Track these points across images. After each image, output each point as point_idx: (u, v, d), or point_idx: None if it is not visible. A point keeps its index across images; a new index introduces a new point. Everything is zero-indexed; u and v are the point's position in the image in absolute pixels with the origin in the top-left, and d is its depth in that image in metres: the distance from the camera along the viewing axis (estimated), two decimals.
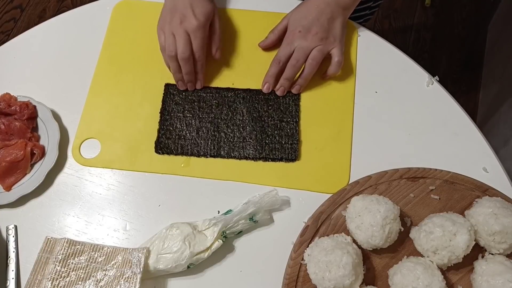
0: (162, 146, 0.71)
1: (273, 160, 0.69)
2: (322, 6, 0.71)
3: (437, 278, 0.54)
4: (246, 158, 0.69)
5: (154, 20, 0.75)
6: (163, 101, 0.74)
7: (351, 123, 0.71)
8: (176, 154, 0.70)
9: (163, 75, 0.76)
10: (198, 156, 0.70)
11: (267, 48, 0.77)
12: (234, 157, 0.69)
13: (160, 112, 0.73)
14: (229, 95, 0.74)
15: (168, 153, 0.70)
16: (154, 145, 0.71)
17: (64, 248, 0.62)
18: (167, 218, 0.65)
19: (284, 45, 0.72)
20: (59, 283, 0.60)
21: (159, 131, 0.72)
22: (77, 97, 0.76)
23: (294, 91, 0.73)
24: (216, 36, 0.74)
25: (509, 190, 0.63)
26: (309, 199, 0.66)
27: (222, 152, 0.70)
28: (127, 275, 0.59)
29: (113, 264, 0.61)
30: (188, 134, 0.71)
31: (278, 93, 0.73)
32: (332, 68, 0.72)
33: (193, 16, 0.70)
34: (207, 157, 0.70)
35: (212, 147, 0.70)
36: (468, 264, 0.58)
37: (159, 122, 0.73)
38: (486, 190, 0.62)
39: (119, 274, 0.60)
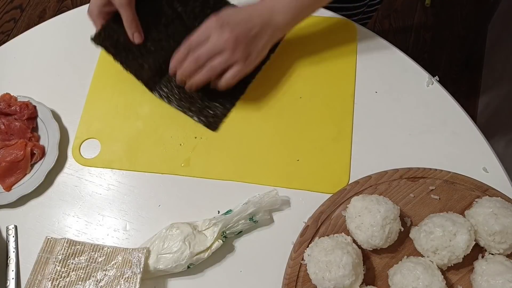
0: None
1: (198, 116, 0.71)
2: (255, 15, 0.66)
3: (437, 278, 0.54)
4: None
5: None
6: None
7: (351, 123, 0.71)
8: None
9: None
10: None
11: None
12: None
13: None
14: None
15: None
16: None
17: (64, 248, 0.62)
18: (167, 218, 0.65)
19: (201, 31, 0.66)
20: (59, 283, 0.60)
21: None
22: (77, 97, 0.76)
23: (186, 88, 0.70)
24: (123, 20, 0.68)
25: (509, 190, 0.63)
26: (309, 199, 0.66)
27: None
28: (127, 275, 0.59)
29: (113, 264, 0.61)
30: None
31: (177, 80, 0.70)
32: (219, 81, 0.68)
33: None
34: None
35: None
36: (468, 264, 0.58)
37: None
38: (486, 190, 0.62)
39: (119, 274, 0.60)
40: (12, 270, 0.64)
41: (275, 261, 0.62)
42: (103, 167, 0.70)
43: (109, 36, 0.71)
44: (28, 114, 0.71)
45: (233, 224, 0.62)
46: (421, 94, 0.72)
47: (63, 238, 0.63)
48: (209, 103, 0.73)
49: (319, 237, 0.60)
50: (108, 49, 0.72)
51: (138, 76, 0.73)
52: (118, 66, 0.78)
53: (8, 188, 0.68)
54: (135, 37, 0.70)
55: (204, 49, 0.66)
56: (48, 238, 0.63)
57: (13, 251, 0.65)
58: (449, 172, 0.64)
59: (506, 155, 1.25)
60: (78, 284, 0.59)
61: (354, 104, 0.72)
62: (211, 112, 0.72)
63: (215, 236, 0.60)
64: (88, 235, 0.66)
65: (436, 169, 0.64)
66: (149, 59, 0.73)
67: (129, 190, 0.69)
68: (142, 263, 0.59)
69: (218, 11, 0.74)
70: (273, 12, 0.67)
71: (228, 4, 0.77)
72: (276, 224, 0.65)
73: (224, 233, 0.62)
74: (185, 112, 0.72)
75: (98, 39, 0.71)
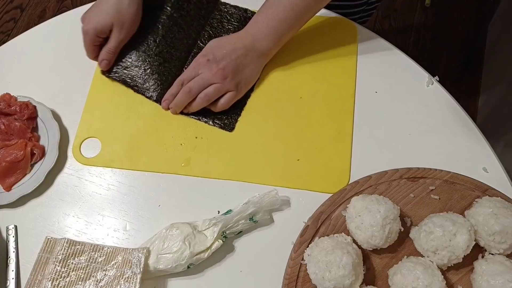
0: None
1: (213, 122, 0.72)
2: (239, 45, 0.70)
3: (437, 278, 0.54)
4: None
5: None
6: None
7: (351, 123, 0.71)
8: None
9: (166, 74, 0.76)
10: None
11: None
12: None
13: None
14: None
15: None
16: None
17: (64, 248, 0.62)
18: (167, 218, 0.65)
19: (191, 67, 0.71)
20: (59, 283, 0.60)
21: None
22: (77, 97, 0.76)
23: (184, 111, 0.73)
24: (105, 46, 0.73)
25: (509, 190, 0.63)
26: (309, 199, 0.66)
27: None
28: (127, 275, 0.59)
29: (113, 264, 0.61)
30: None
31: (171, 112, 0.73)
32: (215, 105, 0.71)
33: (84, 19, 0.72)
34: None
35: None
36: (468, 264, 0.58)
37: None
38: (486, 190, 0.62)
39: (119, 274, 0.60)
40: (12, 270, 0.64)
41: (275, 261, 0.62)
42: (103, 166, 0.70)
43: (114, 63, 0.75)
44: (28, 114, 0.71)
45: (233, 224, 0.62)
46: (421, 94, 0.72)
47: (63, 238, 0.63)
48: None
49: (319, 237, 0.60)
50: (117, 78, 0.75)
51: (149, 96, 0.74)
52: None
53: (8, 188, 0.68)
54: (103, 64, 0.74)
55: (196, 82, 0.70)
56: (48, 238, 0.63)
57: (13, 251, 0.65)
58: (449, 172, 0.64)
59: (506, 155, 1.25)
60: (78, 284, 0.59)
61: (354, 104, 0.72)
62: (225, 115, 0.72)
63: (215, 236, 0.60)
64: (88, 235, 0.66)
65: (436, 169, 0.64)
66: (154, 75, 0.74)
67: (129, 190, 0.69)
68: (142, 263, 0.59)
69: (211, 10, 0.77)
70: (254, 40, 0.70)
71: (218, 1, 0.79)
72: (276, 224, 0.65)
73: (224, 233, 0.62)
74: (199, 119, 0.72)
75: (106, 71, 0.74)
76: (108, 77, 0.75)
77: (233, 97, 0.71)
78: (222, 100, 0.71)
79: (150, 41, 0.75)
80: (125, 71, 0.74)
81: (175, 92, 0.71)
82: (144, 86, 0.74)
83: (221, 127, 0.72)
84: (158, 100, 0.74)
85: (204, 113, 0.73)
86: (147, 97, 0.74)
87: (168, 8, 0.76)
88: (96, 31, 0.71)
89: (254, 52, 0.71)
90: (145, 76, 0.74)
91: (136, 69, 0.74)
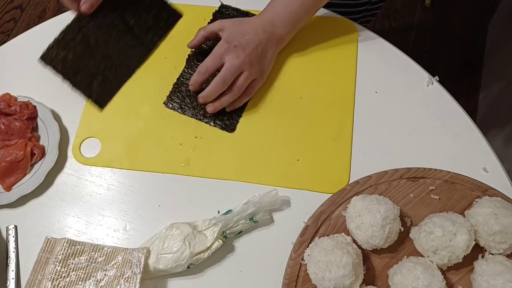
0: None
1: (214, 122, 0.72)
2: (260, 31, 0.70)
3: (437, 278, 0.54)
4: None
5: None
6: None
7: (351, 123, 0.71)
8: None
9: (164, 74, 0.76)
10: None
11: (195, 47, 0.75)
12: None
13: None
14: None
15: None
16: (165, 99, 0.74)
17: (64, 248, 0.62)
18: (167, 218, 0.65)
19: (216, 55, 0.69)
20: (59, 283, 0.60)
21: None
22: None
23: (209, 110, 0.71)
24: None
25: (509, 190, 0.63)
26: (309, 199, 0.66)
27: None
28: (127, 275, 0.59)
29: (113, 264, 0.61)
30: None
31: (200, 101, 0.71)
32: (240, 98, 0.71)
33: None
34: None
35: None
36: (468, 264, 0.58)
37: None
38: (486, 190, 0.62)
39: (119, 274, 0.60)
40: (12, 270, 0.64)
41: (275, 261, 0.62)
42: (103, 166, 0.70)
43: (57, 54, 0.72)
44: (28, 114, 0.71)
45: (233, 224, 0.62)
46: (421, 94, 0.72)
47: (63, 238, 0.63)
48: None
49: (319, 237, 0.60)
50: (56, 68, 0.72)
51: (88, 94, 0.73)
52: None
53: (8, 188, 0.68)
54: (85, 6, 0.71)
55: (227, 71, 0.69)
56: (48, 238, 0.63)
57: (13, 251, 0.65)
58: (449, 172, 0.64)
59: (506, 155, 1.25)
60: (78, 284, 0.59)
61: (354, 104, 0.72)
62: (226, 116, 0.72)
63: (215, 236, 0.60)
64: (88, 235, 0.66)
65: (436, 169, 0.64)
66: (99, 77, 0.73)
67: (129, 190, 0.69)
68: (142, 263, 0.59)
69: (172, 24, 0.77)
70: (274, 26, 0.71)
71: (180, 17, 0.78)
72: (276, 224, 0.65)
73: (224, 233, 0.62)
74: (200, 120, 0.72)
75: (46, 58, 0.72)
76: (46, 65, 0.72)
77: (259, 84, 0.73)
78: (250, 88, 0.72)
79: (100, 44, 0.74)
80: (71, 65, 0.72)
81: (198, 80, 0.71)
82: (86, 84, 0.73)
83: (222, 128, 0.72)
84: (97, 101, 0.73)
85: (205, 114, 0.73)
86: (85, 95, 0.73)
87: (126, 15, 0.75)
88: None
89: (274, 38, 0.71)
90: (89, 75, 0.73)
91: (82, 66, 0.73)
